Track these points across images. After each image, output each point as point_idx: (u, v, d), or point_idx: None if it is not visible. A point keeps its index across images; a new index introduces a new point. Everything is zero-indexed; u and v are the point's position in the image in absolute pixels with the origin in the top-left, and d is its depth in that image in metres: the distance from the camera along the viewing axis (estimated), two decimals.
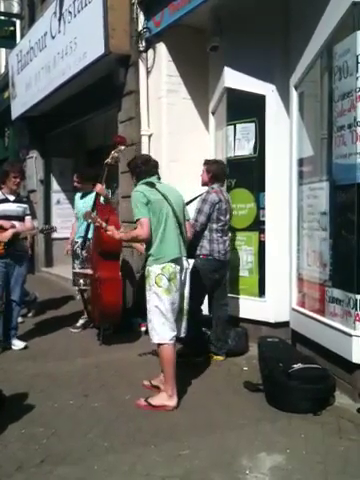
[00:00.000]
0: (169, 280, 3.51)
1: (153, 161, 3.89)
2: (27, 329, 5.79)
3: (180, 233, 3.66)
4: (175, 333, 3.57)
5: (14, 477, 2.68)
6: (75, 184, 5.88)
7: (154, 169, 3.82)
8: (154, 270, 3.53)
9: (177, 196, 3.75)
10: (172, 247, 3.56)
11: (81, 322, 5.84)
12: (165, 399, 3.54)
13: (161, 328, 3.52)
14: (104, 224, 4.06)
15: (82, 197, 5.76)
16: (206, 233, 4.49)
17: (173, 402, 3.54)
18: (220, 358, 4.62)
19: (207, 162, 4.69)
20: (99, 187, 5.22)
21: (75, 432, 3.20)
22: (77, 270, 5.64)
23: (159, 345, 3.57)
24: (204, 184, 4.68)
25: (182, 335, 3.75)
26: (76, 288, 5.87)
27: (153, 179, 3.72)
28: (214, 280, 4.57)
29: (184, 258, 3.67)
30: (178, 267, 3.57)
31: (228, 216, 4.60)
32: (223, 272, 4.64)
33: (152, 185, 3.62)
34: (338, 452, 2.91)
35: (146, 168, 3.77)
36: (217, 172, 4.61)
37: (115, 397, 3.76)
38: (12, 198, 5.01)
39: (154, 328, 3.54)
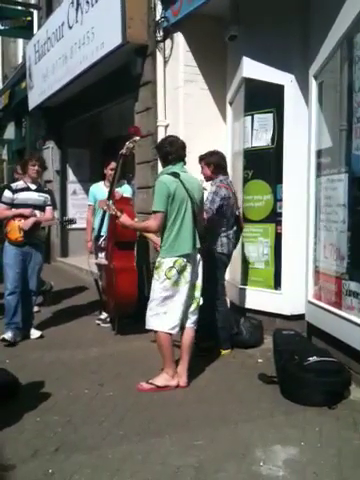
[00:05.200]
0: (179, 273, 3.58)
1: (180, 142, 3.79)
2: (43, 318, 5.83)
3: (196, 226, 3.68)
4: (175, 324, 3.64)
5: (29, 463, 2.71)
6: (111, 172, 5.45)
7: (180, 151, 3.75)
8: (166, 262, 3.58)
9: (198, 186, 3.80)
10: (186, 242, 3.61)
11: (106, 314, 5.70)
12: (168, 379, 3.68)
13: (162, 317, 3.61)
14: (119, 213, 4.06)
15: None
16: (215, 226, 4.42)
17: (175, 381, 3.70)
18: (225, 352, 4.54)
19: (204, 156, 4.60)
20: (102, 203, 4.83)
21: (90, 421, 3.22)
22: (94, 260, 5.59)
23: (156, 332, 3.66)
24: (209, 179, 4.59)
25: (190, 325, 3.76)
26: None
27: (178, 167, 3.70)
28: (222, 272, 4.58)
29: (197, 251, 3.71)
30: (190, 261, 3.62)
31: (234, 209, 4.55)
32: (226, 265, 4.62)
33: (177, 176, 3.61)
34: (353, 445, 2.89)
35: (172, 149, 3.71)
36: (218, 162, 4.55)
37: (130, 386, 3.78)
38: (34, 187, 5.03)
39: (154, 315, 3.64)
